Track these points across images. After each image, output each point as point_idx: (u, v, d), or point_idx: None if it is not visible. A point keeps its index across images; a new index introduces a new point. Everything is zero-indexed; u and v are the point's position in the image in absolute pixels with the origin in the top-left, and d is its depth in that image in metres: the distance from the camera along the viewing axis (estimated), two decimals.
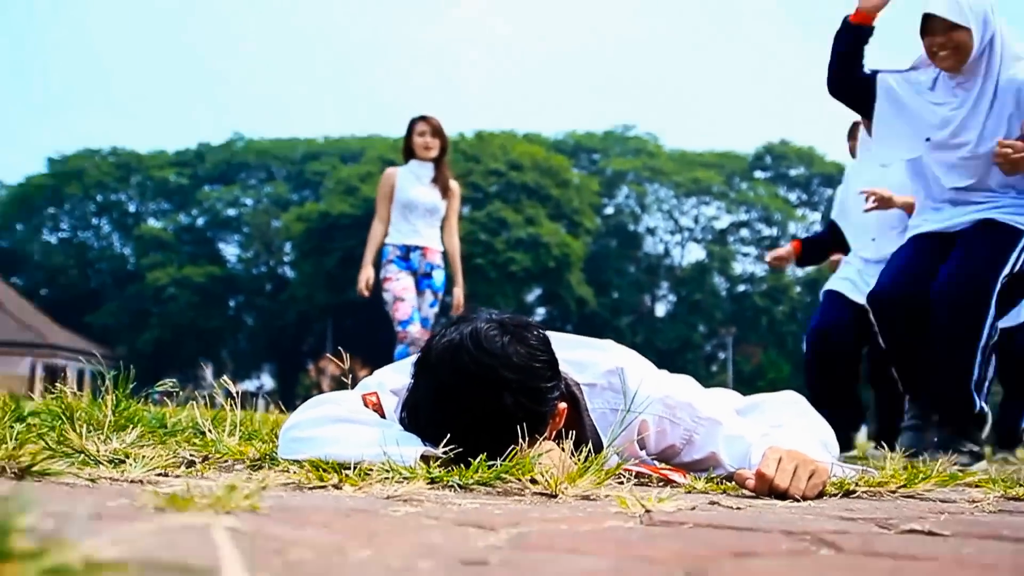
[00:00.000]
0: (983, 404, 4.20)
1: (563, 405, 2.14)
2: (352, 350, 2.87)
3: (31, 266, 58.05)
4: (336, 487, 1.73)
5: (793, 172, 59.02)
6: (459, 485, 1.79)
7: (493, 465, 1.86)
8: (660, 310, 57.36)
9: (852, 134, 5.91)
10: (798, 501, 1.92)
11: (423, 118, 6.98)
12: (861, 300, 4.98)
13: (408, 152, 7.03)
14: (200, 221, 58.83)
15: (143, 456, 1.96)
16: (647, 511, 1.54)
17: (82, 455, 1.93)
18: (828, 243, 6.03)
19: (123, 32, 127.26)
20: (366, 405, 2.24)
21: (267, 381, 55.92)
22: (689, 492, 2.04)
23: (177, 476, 1.84)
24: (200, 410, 2.90)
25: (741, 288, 55.97)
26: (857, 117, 5.03)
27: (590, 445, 2.08)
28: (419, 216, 6.98)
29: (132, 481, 1.70)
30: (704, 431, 2.35)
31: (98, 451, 1.97)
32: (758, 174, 59.52)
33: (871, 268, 5.22)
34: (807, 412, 3.25)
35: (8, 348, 38.97)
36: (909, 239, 4.47)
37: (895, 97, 4.28)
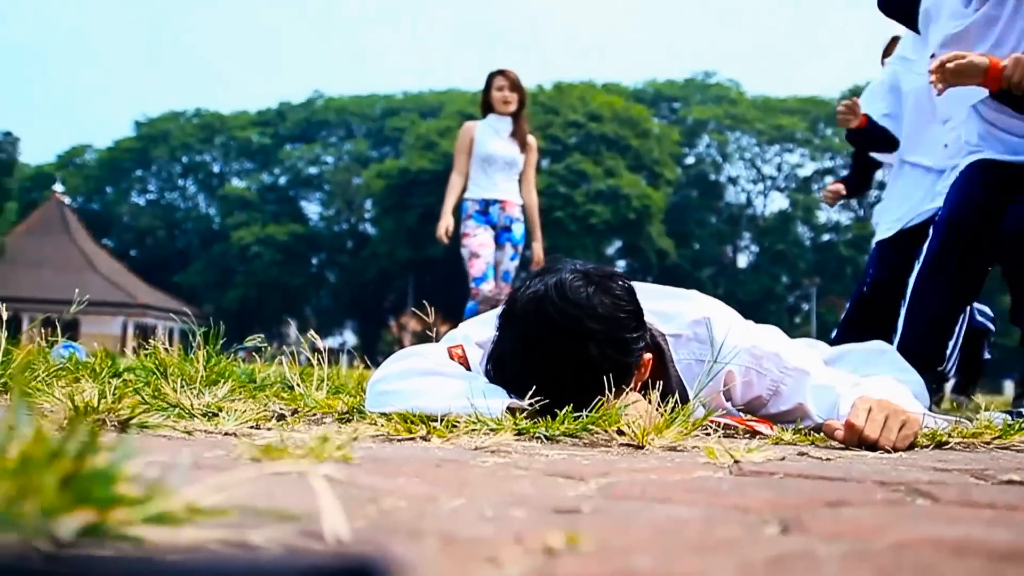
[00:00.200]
0: None
1: (648, 356, 2.13)
2: (432, 306, 2.88)
3: (120, 228, 59.53)
4: (424, 439, 1.75)
5: None
6: (545, 436, 1.80)
7: (579, 416, 1.86)
8: (742, 261, 56.66)
9: (888, 51, 5.48)
10: (889, 452, 1.89)
11: (501, 72, 6.94)
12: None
13: (486, 107, 7.01)
14: (282, 180, 59.57)
15: (235, 410, 2.00)
16: (736, 462, 1.53)
17: (177, 408, 1.98)
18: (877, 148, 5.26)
19: None
20: (452, 358, 2.26)
21: (349, 337, 56.67)
22: (777, 443, 2.02)
23: (269, 429, 1.87)
24: (288, 365, 2.95)
25: (825, 237, 54.92)
26: (896, 32, 4.78)
27: (676, 396, 2.06)
28: (498, 169, 6.97)
29: (226, 433, 1.74)
30: (791, 382, 2.32)
31: (192, 405, 2.02)
32: None
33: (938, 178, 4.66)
34: (897, 361, 3.19)
35: (100, 308, 40.08)
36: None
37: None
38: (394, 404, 2.02)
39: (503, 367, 2.05)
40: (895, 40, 5.27)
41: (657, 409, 1.95)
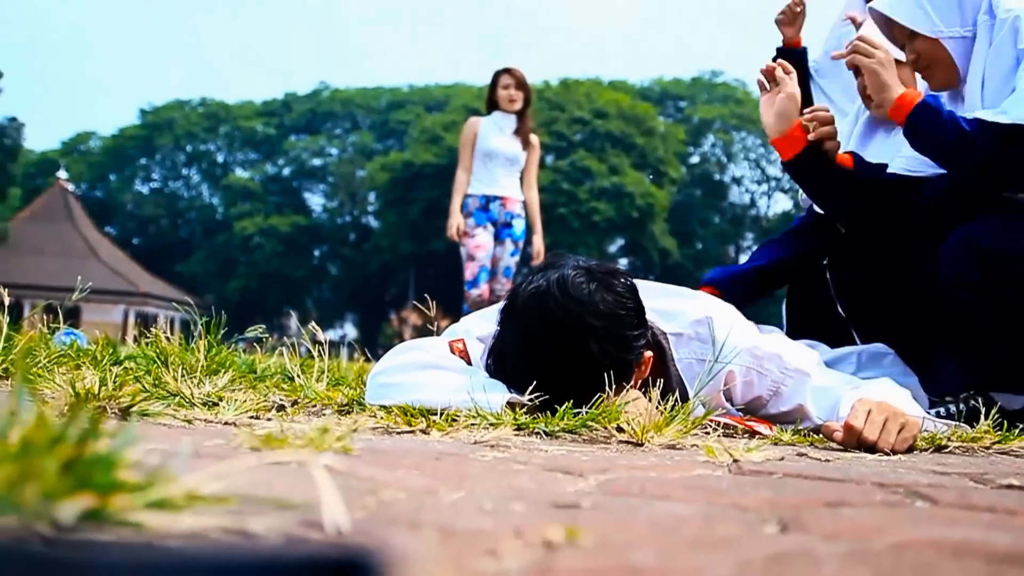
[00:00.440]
0: None
1: (649, 354, 2.13)
2: (434, 300, 2.88)
3: (124, 216, 59.48)
4: (424, 432, 1.75)
5: None
6: (545, 432, 1.80)
7: (579, 413, 1.86)
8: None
9: None
10: (887, 455, 1.89)
11: (507, 71, 6.95)
12: None
13: (492, 104, 7.02)
14: (286, 171, 59.49)
15: (235, 399, 2.00)
16: (735, 461, 1.53)
17: (177, 397, 1.98)
18: None
19: None
20: (453, 352, 2.26)
21: (350, 330, 56.65)
22: (776, 444, 2.02)
23: (269, 419, 1.87)
24: (289, 356, 2.96)
25: None
26: None
27: (676, 395, 2.07)
28: (499, 165, 6.97)
29: (226, 423, 1.75)
30: (792, 383, 2.32)
31: (192, 394, 2.02)
32: None
33: None
34: (897, 364, 3.18)
35: (102, 296, 40.08)
36: None
37: None
38: (394, 397, 2.02)
39: (504, 362, 2.05)
40: None
41: (657, 407, 1.95)
